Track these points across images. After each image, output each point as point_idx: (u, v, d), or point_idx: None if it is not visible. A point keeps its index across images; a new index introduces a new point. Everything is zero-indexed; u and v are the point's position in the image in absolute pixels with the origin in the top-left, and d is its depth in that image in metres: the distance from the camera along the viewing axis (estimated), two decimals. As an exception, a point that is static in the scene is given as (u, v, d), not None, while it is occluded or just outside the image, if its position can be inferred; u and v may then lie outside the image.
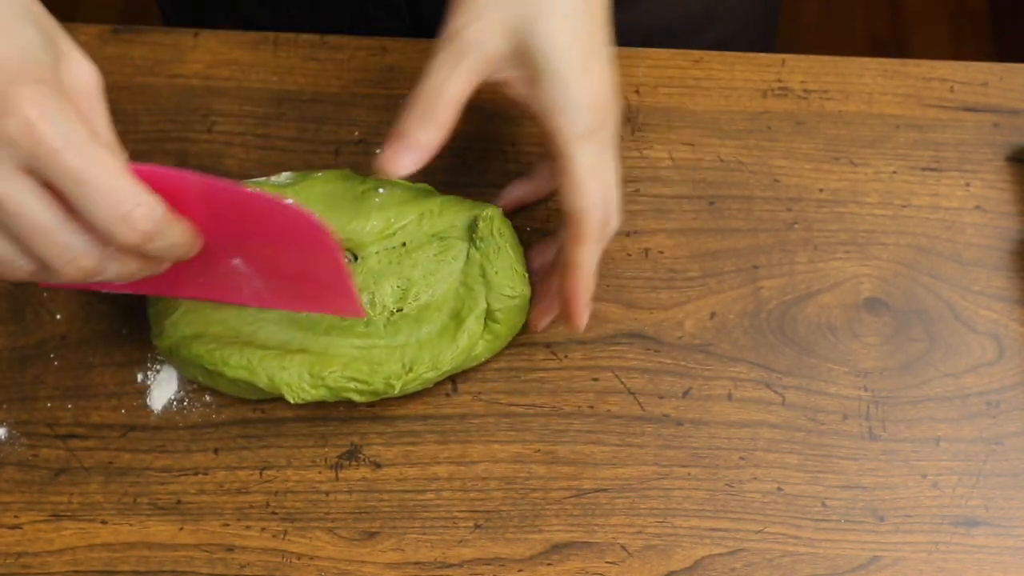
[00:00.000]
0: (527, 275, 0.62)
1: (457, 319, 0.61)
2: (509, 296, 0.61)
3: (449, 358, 0.60)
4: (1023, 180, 0.68)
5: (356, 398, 0.60)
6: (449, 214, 0.62)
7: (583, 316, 0.60)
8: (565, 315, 0.60)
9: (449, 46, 0.56)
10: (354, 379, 0.59)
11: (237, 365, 0.59)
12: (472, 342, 0.60)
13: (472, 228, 0.62)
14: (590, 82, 0.57)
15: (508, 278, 0.61)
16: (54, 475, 0.61)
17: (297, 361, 0.59)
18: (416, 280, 0.61)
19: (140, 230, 0.47)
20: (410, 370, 0.59)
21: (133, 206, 0.47)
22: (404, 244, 0.62)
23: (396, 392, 0.59)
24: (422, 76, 0.56)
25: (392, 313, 0.61)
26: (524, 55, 0.57)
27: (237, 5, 0.80)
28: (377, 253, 0.61)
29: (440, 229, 0.62)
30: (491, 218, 0.62)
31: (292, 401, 0.59)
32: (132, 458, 0.61)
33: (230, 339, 0.60)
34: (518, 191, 0.66)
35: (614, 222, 0.60)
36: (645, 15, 0.76)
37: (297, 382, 0.59)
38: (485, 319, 0.61)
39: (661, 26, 0.77)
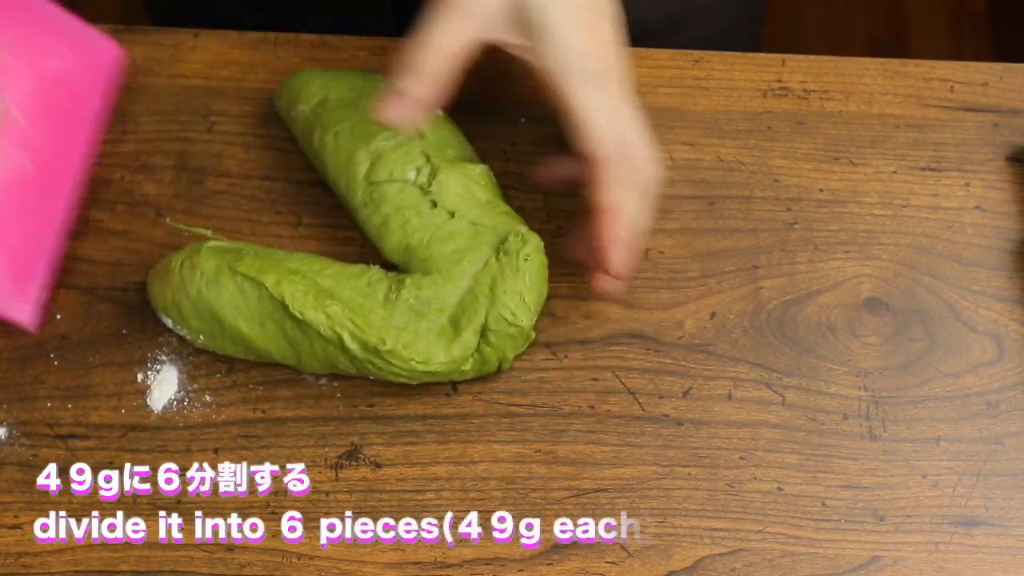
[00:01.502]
0: (534, 312, 0.61)
1: (456, 327, 0.60)
2: (508, 321, 0.60)
3: (439, 360, 0.59)
4: (1023, 180, 0.68)
5: (347, 341, 0.59)
6: (499, 219, 0.62)
7: (619, 260, 0.58)
8: (599, 262, 0.59)
9: (446, 6, 0.57)
10: (352, 322, 0.59)
11: (250, 265, 0.60)
12: (465, 354, 0.60)
13: (503, 239, 0.61)
14: (591, 37, 0.58)
15: (513, 302, 0.60)
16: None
17: (307, 283, 0.59)
18: (429, 263, 0.61)
19: None
20: (404, 347, 0.59)
21: None
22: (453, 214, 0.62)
23: (384, 350, 0.58)
24: (419, 32, 0.57)
25: (392, 286, 0.60)
26: (521, 16, 0.57)
27: (220, 12, 0.80)
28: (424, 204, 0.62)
29: (484, 223, 0.62)
30: (525, 239, 0.61)
31: (293, 310, 0.58)
32: (132, 458, 0.61)
33: (247, 249, 0.61)
34: (560, 168, 0.65)
35: (647, 169, 0.59)
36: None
37: (302, 297, 0.59)
38: (481, 336, 0.60)
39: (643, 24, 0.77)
